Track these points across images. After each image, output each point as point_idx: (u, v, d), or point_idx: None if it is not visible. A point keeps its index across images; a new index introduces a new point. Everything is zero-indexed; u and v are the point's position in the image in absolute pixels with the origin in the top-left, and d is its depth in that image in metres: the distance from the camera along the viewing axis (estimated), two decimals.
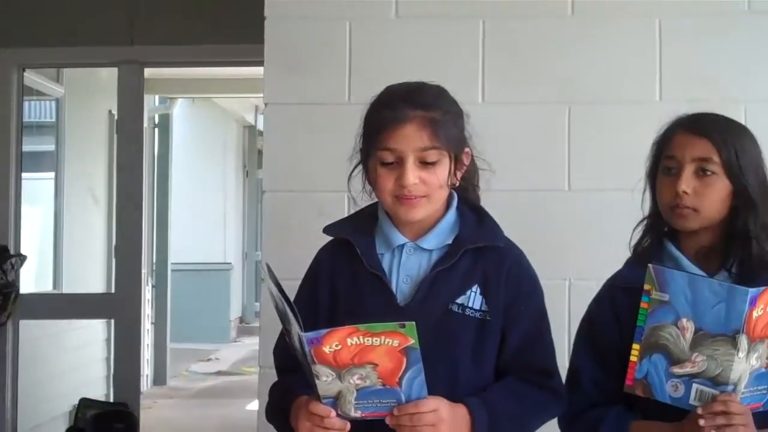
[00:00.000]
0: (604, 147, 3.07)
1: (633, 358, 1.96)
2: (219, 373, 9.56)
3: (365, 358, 1.81)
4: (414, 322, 1.81)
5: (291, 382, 2.04)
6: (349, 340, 1.79)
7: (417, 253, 2.07)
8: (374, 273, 2.03)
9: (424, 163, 1.99)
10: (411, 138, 1.98)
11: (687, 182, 2.06)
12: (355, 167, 2.12)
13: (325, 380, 1.82)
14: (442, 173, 2.01)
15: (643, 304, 1.95)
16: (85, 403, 5.50)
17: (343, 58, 3.11)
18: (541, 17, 3.13)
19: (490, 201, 3.02)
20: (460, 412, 1.92)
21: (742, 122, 2.21)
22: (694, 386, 1.91)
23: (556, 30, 3.12)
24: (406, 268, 2.06)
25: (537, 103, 3.10)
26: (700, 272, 2.05)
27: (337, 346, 1.79)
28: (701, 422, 1.88)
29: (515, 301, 2.07)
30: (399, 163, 1.99)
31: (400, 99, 2.02)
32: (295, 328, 1.82)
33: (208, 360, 10.57)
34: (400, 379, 1.83)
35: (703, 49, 3.11)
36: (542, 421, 2.10)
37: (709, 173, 2.06)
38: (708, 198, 2.06)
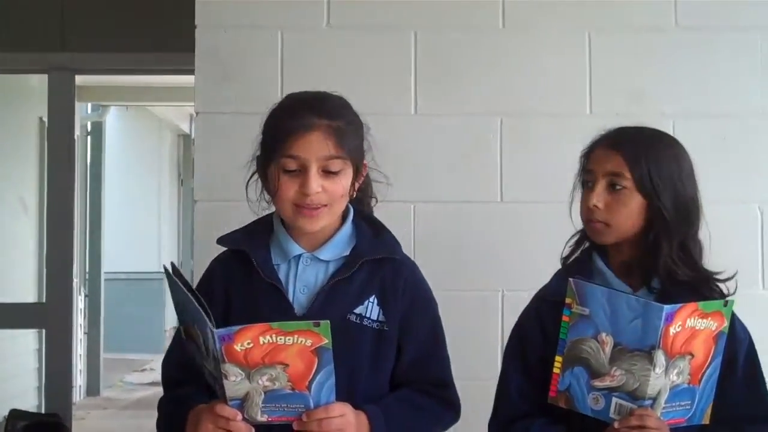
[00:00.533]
0: (536, 159, 3.09)
1: (556, 370, 1.99)
2: (153, 383, 9.45)
3: (276, 357, 1.80)
4: (328, 321, 1.82)
5: (184, 394, 2.03)
6: (261, 338, 1.79)
7: (314, 263, 2.07)
8: (271, 283, 2.03)
9: (327, 172, 2.00)
10: (315, 146, 1.98)
11: (598, 197, 2.09)
12: (253, 175, 2.13)
13: (234, 380, 1.81)
14: (344, 183, 2.03)
15: (565, 318, 1.98)
16: (15, 414, 5.40)
17: (275, 67, 3.10)
18: (473, 30, 3.14)
19: (424, 212, 3.06)
20: (361, 419, 1.95)
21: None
22: (614, 400, 1.94)
23: (487, 42, 3.14)
24: (302, 278, 2.06)
25: (469, 114, 3.12)
26: (624, 287, 2.08)
27: (248, 344, 1.79)
28: None
29: (411, 313, 2.09)
30: (302, 171, 1.99)
31: (306, 107, 2.02)
32: (206, 325, 1.79)
33: (143, 370, 10.46)
34: (310, 383, 1.83)
35: (633, 63, 3.14)
36: (437, 430, 2.14)
37: (619, 188, 2.08)
38: (618, 213, 2.08)
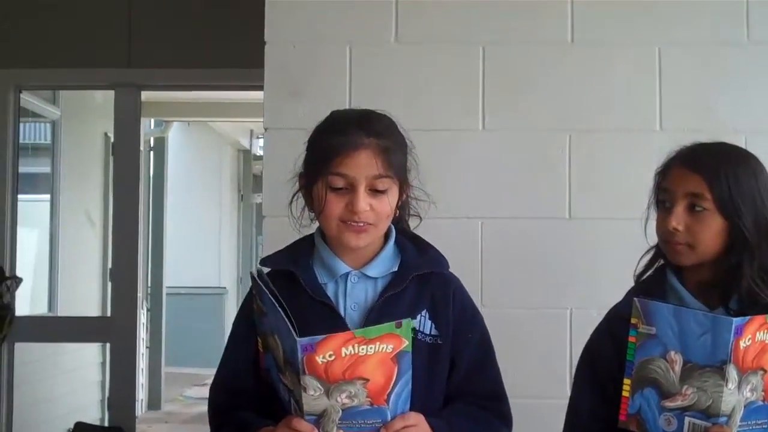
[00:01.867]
0: (604, 175, 3.06)
1: (625, 394, 1.95)
2: None
3: (357, 371, 1.80)
4: (410, 320, 1.83)
5: (247, 417, 2.01)
6: (343, 350, 1.78)
7: (362, 281, 2.07)
8: (321, 302, 2.02)
9: (374, 191, 2.00)
10: (364, 165, 1.98)
11: (678, 218, 2.05)
12: (297, 192, 2.13)
13: (312, 394, 1.80)
14: (390, 201, 2.03)
15: (631, 338, 1.94)
16: (80, 427, 5.47)
17: (343, 83, 3.10)
18: (542, 45, 3.13)
19: (492, 228, 3.04)
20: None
21: None
22: (687, 419, 1.89)
23: (556, 57, 3.12)
24: (352, 296, 2.05)
25: (537, 130, 3.10)
26: (701, 306, 2.04)
27: (330, 356, 1.78)
28: None
29: (462, 326, 2.09)
30: (349, 189, 1.99)
31: (354, 125, 2.02)
32: (288, 334, 1.79)
33: (204, 384, 10.49)
34: (389, 395, 1.83)
35: (703, 79, 3.11)
36: None
37: (699, 209, 2.03)
38: (701, 234, 2.03)
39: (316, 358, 1.77)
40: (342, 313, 2.03)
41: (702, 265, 2.07)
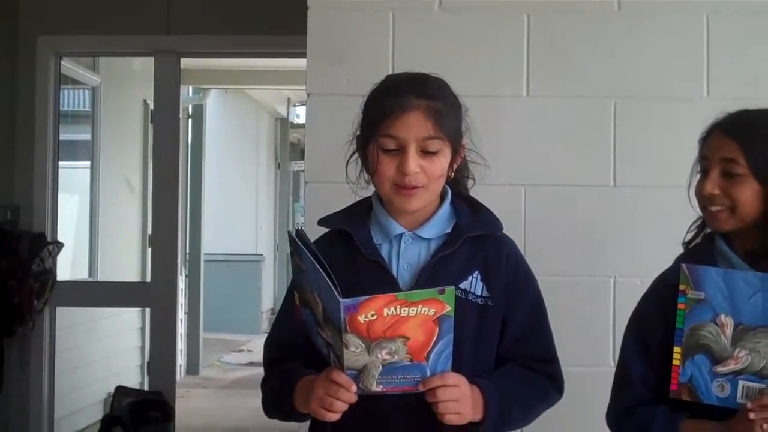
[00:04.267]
0: (650, 143, 3.03)
1: (675, 362, 1.94)
2: (251, 363, 9.56)
3: (398, 330, 1.81)
4: (453, 287, 1.83)
5: (291, 367, 2.06)
6: (385, 310, 1.79)
7: (416, 242, 2.08)
8: (375, 261, 2.04)
9: (426, 153, 2.01)
10: (414, 126, 1.99)
11: (713, 183, 2.05)
12: (353, 155, 2.14)
13: (354, 351, 1.82)
14: (442, 163, 2.03)
15: (680, 305, 1.93)
16: (121, 391, 5.53)
17: (386, 50, 3.09)
18: (587, 12, 3.09)
19: (535, 195, 3.03)
20: (475, 391, 1.95)
21: None
22: (740, 383, 1.88)
23: (601, 25, 3.08)
24: (405, 256, 2.07)
25: (582, 97, 3.07)
26: (751, 271, 2.00)
27: (372, 315, 1.79)
28: (751, 416, 1.85)
29: (514, 288, 2.09)
30: (400, 151, 2.00)
31: (405, 87, 2.03)
32: (330, 293, 1.80)
33: (240, 350, 10.59)
34: (429, 353, 1.84)
35: (751, 46, 3.06)
36: (544, 407, 2.13)
37: (734, 174, 2.03)
38: (739, 198, 2.03)
39: (359, 317, 1.79)
40: (394, 273, 2.05)
41: (747, 231, 2.05)
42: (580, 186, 3.05)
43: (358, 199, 2.17)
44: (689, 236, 2.20)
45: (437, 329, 1.82)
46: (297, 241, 1.89)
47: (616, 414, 2.15)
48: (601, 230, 3.04)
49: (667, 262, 2.16)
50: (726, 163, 2.04)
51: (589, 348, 2.98)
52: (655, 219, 2.94)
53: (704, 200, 2.08)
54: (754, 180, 2.02)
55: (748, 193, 2.02)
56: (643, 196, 3.02)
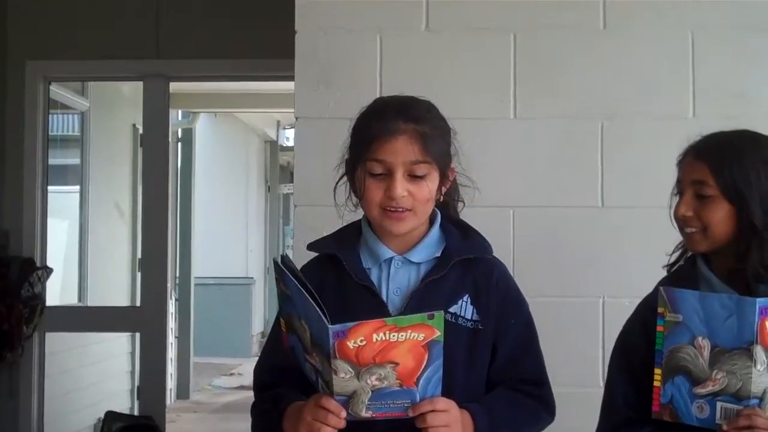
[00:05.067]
0: (637, 163, 3.04)
1: (656, 383, 1.95)
2: (242, 387, 9.53)
3: (387, 356, 1.80)
4: (442, 312, 1.83)
5: (281, 392, 2.05)
6: (375, 336, 1.79)
7: (405, 266, 2.08)
8: (364, 285, 2.04)
9: (413, 177, 2.01)
10: (401, 150, 1.99)
11: (686, 206, 2.09)
12: (341, 178, 2.14)
13: (343, 377, 1.81)
14: (429, 187, 2.03)
15: (659, 328, 1.94)
16: (111, 416, 5.50)
17: (373, 72, 3.10)
18: (573, 31, 3.11)
19: (523, 217, 3.03)
20: (465, 416, 1.94)
21: None
22: (719, 404, 1.89)
23: (588, 44, 3.10)
24: (395, 281, 2.07)
25: (569, 117, 3.08)
26: (731, 292, 2.02)
27: (361, 341, 1.79)
28: None
29: (505, 311, 2.09)
30: (388, 175, 2.00)
31: (392, 111, 2.03)
32: (318, 319, 1.79)
33: (231, 374, 10.56)
34: (418, 378, 1.83)
35: (737, 65, 3.08)
36: (536, 430, 2.13)
37: (705, 196, 2.06)
38: (709, 220, 2.06)
39: (348, 343, 1.78)
40: (384, 297, 2.04)
41: (725, 252, 2.08)
42: (568, 207, 3.06)
43: (345, 222, 2.17)
44: (673, 258, 2.22)
45: (427, 354, 1.82)
46: (282, 268, 1.89)
47: None
48: (590, 251, 3.05)
49: (655, 283, 2.17)
50: (697, 185, 2.07)
51: (578, 369, 2.98)
52: (643, 239, 2.95)
53: (679, 222, 2.12)
54: (725, 201, 2.05)
55: (718, 215, 2.05)
56: (631, 216, 3.03)
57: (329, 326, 1.77)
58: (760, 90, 3.05)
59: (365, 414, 1.85)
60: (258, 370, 2.17)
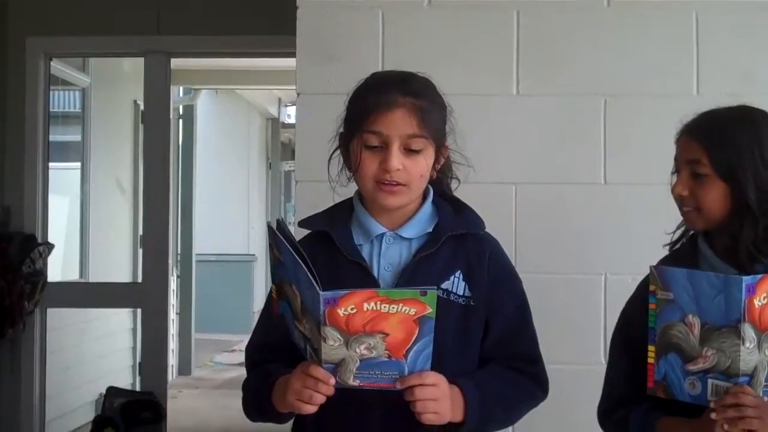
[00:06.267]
0: (640, 140, 3.02)
1: (650, 361, 1.96)
2: (242, 363, 9.51)
3: (377, 326, 1.80)
4: (435, 290, 1.83)
5: (270, 367, 2.05)
6: (365, 305, 1.79)
7: (397, 242, 2.07)
8: (355, 262, 2.04)
9: (409, 150, 2.00)
10: (399, 123, 1.98)
11: (682, 185, 2.10)
12: (335, 151, 2.13)
13: (332, 344, 1.81)
14: (424, 162, 2.02)
15: (651, 305, 1.95)
16: (112, 392, 5.53)
17: (375, 48, 3.08)
18: (577, 8, 3.09)
19: (525, 193, 3.03)
20: (455, 391, 1.94)
21: None
22: (710, 381, 1.90)
23: (591, 21, 3.08)
24: (386, 256, 2.06)
25: (572, 95, 3.06)
26: (730, 270, 2.03)
27: (352, 309, 1.79)
28: (713, 416, 1.87)
29: (497, 288, 2.09)
30: (383, 148, 1.99)
31: (391, 84, 2.02)
32: (310, 286, 1.79)
33: (232, 351, 10.57)
34: (407, 351, 1.83)
35: (741, 43, 3.06)
36: (528, 407, 2.13)
37: (700, 175, 2.06)
38: (704, 199, 2.06)
39: (338, 310, 1.79)
40: (375, 273, 2.04)
41: (724, 230, 2.08)
42: (571, 183, 3.05)
43: (337, 197, 2.16)
44: (675, 236, 2.22)
45: (417, 329, 1.82)
46: (276, 232, 1.89)
47: (603, 411, 2.19)
48: (592, 228, 3.04)
49: (658, 260, 2.17)
50: (692, 164, 2.08)
51: (580, 346, 2.99)
52: (646, 216, 2.94)
53: (676, 201, 2.13)
54: (719, 180, 2.05)
55: (712, 194, 2.05)
56: (634, 193, 3.02)
57: (320, 292, 1.78)
58: (764, 68, 3.04)
59: (353, 382, 1.85)
60: (249, 349, 2.17)
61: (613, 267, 3.00)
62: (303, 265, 1.81)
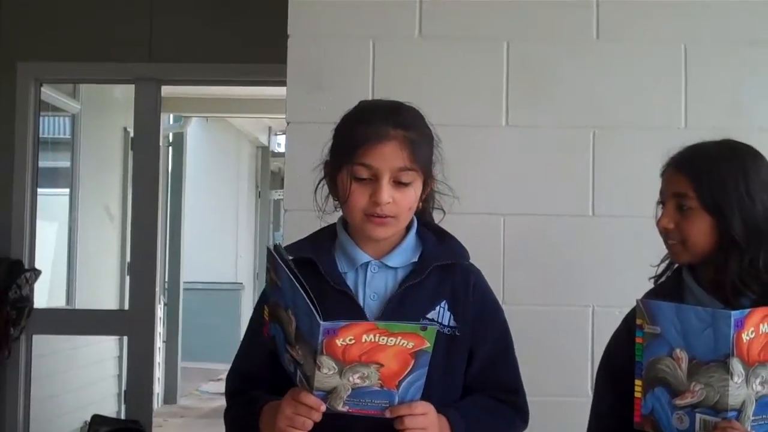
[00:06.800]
0: (628, 172, 3.04)
1: (637, 395, 1.95)
2: None
3: (373, 357, 1.80)
4: (436, 326, 1.83)
5: (255, 394, 2.03)
6: (364, 337, 1.78)
7: (382, 270, 2.06)
8: (340, 290, 2.02)
9: (398, 183, 1.99)
10: (390, 156, 1.97)
11: (668, 218, 2.10)
12: (321, 180, 2.12)
13: (326, 372, 1.80)
14: (413, 194, 2.02)
15: (638, 339, 1.94)
16: (97, 420, 5.50)
17: (366, 78, 3.09)
18: (567, 40, 3.11)
19: (513, 224, 3.03)
20: (442, 421, 1.94)
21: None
22: (698, 416, 1.88)
23: (581, 53, 3.11)
24: (372, 285, 2.05)
25: (561, 127, 3.08)
26: (716, 303, 2.04)
27: (350, 340, 1.78)
28: None
29: (482, 318, 2.08)
30: (373, 180, 1.98)
31: (381, 116, 2.01)
32: (308, 313, 1.78)
33: (219, 379, 10.51)
34: (400, 382, 1.83)
35: (729, 76, 3.09)
36: None
37: (686, 208, 2.07)
38: (690, 232, 2.07)
39: (336, 341, 1.78)
40: (361, 302, 2.02)
41: (710, 263, 2.08)
42: (559, 216, 3.06)
43: (324, 224, 2.15)
44: (660, 269, 2.23)
45: (413, 361, 1.81)
46: (275, 256, 1.88)
47: None
48: (580, 259, 3.05)
49: (645, 292, 2.17)
50: (678, 197, 2.09)
51: (567, 377, 2.98)
52: (634, 248, 2.94)
53: (661, 234, 2.13)
54: (705, 213, 2.06)
55: (698, 227, 2.06)
56: (622, 225, 3.03)
57: (321, 322, 1.76)
58: (752, 102, 3.06)
59: (342, 408, 1.84)
60: (231, 376, 2.15)
61: (600, 299, 3.01)
62: (303, 293, 1.80)
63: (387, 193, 1.97)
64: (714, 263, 2.07)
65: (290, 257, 2.05)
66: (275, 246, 1.93)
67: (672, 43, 3.09)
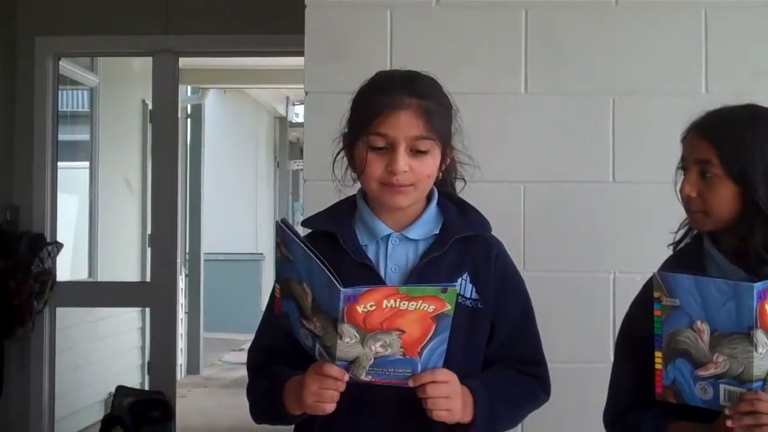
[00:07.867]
0: (649, 139, 3.02)
1: (658, 366, 1.93)
2: None
3: (395, 323, 1.79)
4: (456, 287, 1.83)
5: (279, 369, 2.02)
6: (385, 302, 1.78)
7: (403, 243, 2.05)
8: (361, 263, 2.01)
9: (415, 152, 1.98)
10: (405, 125, 1.96)
11: (690, 185, 2.06)
12: (339, 152, 2.11)
13: (348, 342, 1.80)
14: (432, 162, 2.00)
15: (656, 312, 1.92)
16: (121, 391, 5.54)
17: (384, 47, 3.08)
18: (585, 7, 3.09)
19: (534, 191, 3.02)
20: (465, 392, 1.93)
21: None
22: (722, 387, 1.87)
23: (600, 20, 3.08)
24: (393, 258, 2.04)
25: (581, 93, 3.06)
26: (739, 272, 2.00)
27: (371, 306, 1.78)
28: (728, 423, 1.85)
29: (504, 290, 2.08)
30: (389, 150, 1.97)
31: (397, 85, 2.00)
32: (325, 283, 1.78)
33: (241, 350, 10.55)
34: (422, 348, 1.83)
35: (750, 41, 3.06)
36: (532, 408, 2.12)
37: (710, 175, 2.03)
38: (713, 200, 2.03)
39: (357, 307, 1.77)
40: (382, 274, 2.02)
41: (732, 229, 2.05)
42: (579, 182, 3.05)
43: (343, 197, 2.14)
44: (678, 236, 2.20)
45: (434, 326, 1.81)
46: (286, 230, 1.87)
47: (609, 417, 2.16)
48: (601, 226, 3.03)
49: (666, 258, 2.16)
50: (701, 164, 2.04)
51: (589, 344, 2.98)
52: (655, 214, 2.92)
53: (683, 201, 2.09)
54: (729, 180, 2.02)
55: (721, 195, 2.02)
56: (642, 191, 3.01)
57: (341, 289, 1.76)
58: None
59: (365, 378, 1.84)
60: (252, 351, 2.15)
61: (621, 265, 3.00)
62: (318, 263, 1.80)
63: (403, 161, 1.96)
64: (738, 232, 2.04)
65: (309, 230, 2.05)
66: (283, 220, 1.92)
67: (693, 8, 3.06)
